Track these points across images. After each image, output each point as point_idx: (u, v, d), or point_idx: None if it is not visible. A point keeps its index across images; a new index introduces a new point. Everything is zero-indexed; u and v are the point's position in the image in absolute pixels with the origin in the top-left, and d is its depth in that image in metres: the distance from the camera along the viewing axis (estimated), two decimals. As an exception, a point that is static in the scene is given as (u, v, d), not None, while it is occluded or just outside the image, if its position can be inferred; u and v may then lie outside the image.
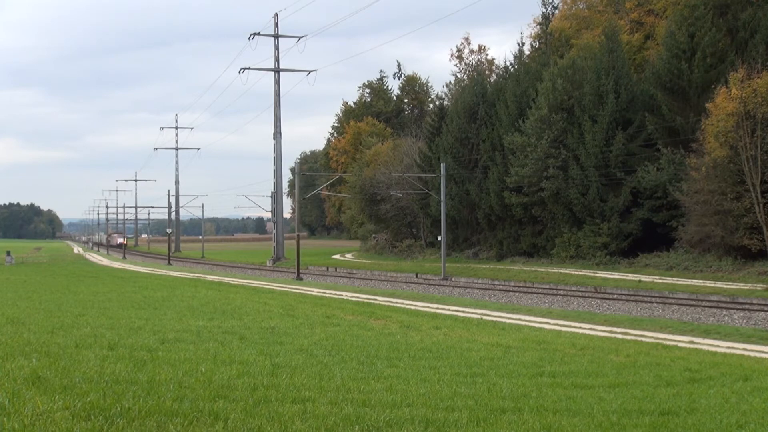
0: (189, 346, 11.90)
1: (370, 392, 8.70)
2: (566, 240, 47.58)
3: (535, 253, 51.25)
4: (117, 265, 61.65)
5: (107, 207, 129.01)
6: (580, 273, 41.41)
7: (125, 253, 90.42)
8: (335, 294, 29.26)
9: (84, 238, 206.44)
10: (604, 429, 7.66)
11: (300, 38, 62.28)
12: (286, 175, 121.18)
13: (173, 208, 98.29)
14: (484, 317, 21.28)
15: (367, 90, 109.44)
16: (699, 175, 37.69)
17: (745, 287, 32.07)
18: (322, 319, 17.89)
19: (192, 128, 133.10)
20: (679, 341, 16.94)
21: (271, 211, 68.54)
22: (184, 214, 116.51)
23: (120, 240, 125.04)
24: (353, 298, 26.93)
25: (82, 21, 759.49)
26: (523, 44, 62.05)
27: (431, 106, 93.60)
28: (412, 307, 23.90)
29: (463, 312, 22.86)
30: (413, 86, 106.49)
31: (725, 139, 36.01)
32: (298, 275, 45.21)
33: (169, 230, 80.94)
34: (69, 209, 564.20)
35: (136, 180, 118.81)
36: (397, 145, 74.61)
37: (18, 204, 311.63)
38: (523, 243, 52.16)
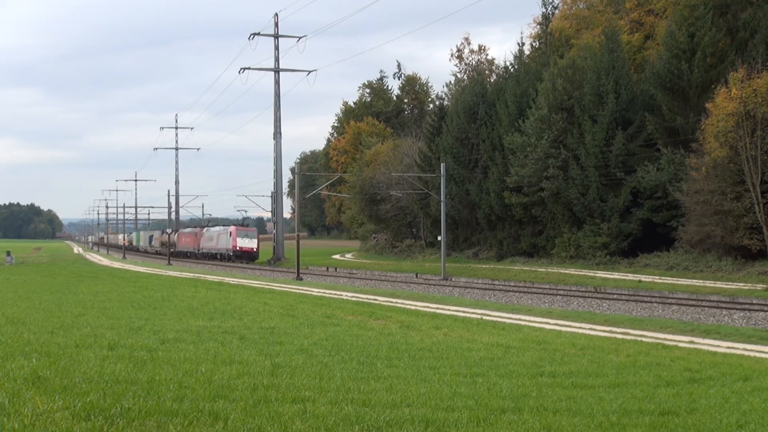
0: (189, 346, 11.91)
1: (370, 392, 8.70)
2: (566, 240, 47.57)
3: (535, 253, 51.24)
4: (117, 265, 61.67)
5: (107, 207, 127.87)
6: (580, 273, 41.40)
7: (125, 253, 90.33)
8: (335, 294, 29.26)
9: (90, 238, 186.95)
10: (604, 429, 7.66)
11: (300, 38, 62.31)
12: (286, 175, 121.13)
13: (173, 208, 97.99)
14: (484, 317, 21.27)
15: (367, 90, 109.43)
16: (699, 175, 37.68)
17: (745, 287, 32.06)
18: (322, 319, 17.89)
19: (192, 128, 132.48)
20: (679, 341, 16.94)
21: (271, 211, 68.48)
22: (184, 214, 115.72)
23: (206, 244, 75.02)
24: (353, 298, 26.92)
25: (81, 20, 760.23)
26: (523, 44, 62.07)
27: (431, 106, 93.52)
28: (412, 307, 23.89)
29: (463, 312, 22.85)
30: (413, 86, 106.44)
31: (725, 139, 36.00)
32: (298, 275, 45.19)
33: (169, 230, 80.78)
34: (69, 209, 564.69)
35: (136, 180, 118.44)
36: (397, 145, 74.59)
37: (18, 204, 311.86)
38: (523, 243, 52.15)
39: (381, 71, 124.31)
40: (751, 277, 34.13)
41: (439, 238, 47.92)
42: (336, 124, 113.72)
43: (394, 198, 65.33)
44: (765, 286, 31.67)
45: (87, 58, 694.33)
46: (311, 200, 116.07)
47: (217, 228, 76.13)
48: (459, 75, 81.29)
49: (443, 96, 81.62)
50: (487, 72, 74.52)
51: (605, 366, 12.04)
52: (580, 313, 23.74)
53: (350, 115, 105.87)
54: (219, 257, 71.68)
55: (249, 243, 68.76)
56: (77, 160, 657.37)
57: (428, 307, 24.58)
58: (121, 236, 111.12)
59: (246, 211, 77.96)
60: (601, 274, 40.40)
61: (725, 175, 36.69)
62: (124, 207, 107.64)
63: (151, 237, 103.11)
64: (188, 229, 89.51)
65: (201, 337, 13.38)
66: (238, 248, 68.38)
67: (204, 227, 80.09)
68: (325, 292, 30.03)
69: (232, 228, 70.50)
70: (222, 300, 23.06)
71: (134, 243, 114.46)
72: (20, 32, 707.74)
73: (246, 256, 67.68)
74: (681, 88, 41.81)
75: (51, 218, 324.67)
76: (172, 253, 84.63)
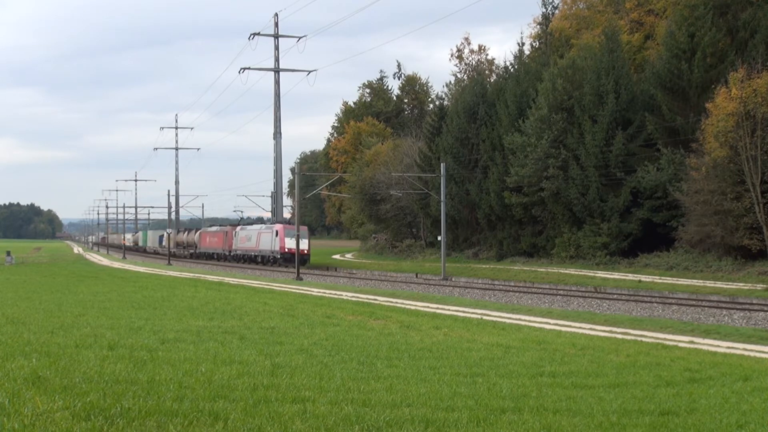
0: (189, 346, 11.91)
1: (370, 392, 8.70)
2: (566, 240, 47.57)
3: (535, 253, 51.24)
4: (117, 265, 61.68)
5: (107, 207, 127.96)
6: (580, 273, 41.40)
7: (125, 253, 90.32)
8: (335, 294, 29.25)
9: (91, 238, 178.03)
10: (604, 429, 7.66)
11: (300, 38, 62.22)
12: (286, 175, 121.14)
13: (173, 208, 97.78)
14: (484, 317, 21.27)
15: (367, 90, 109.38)
16: (699, 175, 37.69)
17: (745, 287, 32.07)
18: (322, 319, 17.89)
19: (192, 128, 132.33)
20: (679, 341, 16.93)
21: (271, 211, 68.42)
22: (184, 214, 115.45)
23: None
24: (353, 298, 26.92)
25: (81, 20, 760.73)
26: (523, 44, 62.10)
27: (431, 106, 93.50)
28: (412, 307, 23.89)
29: (463, 312, 22.85)
30: (413, 86, 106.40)
31: (725, 139, 36.00)
32: (297, 275, 45.17)
33: (169, 230, 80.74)
34: (69, 209, 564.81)
35: (136, 180, 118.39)
36: (397, 145, 74.59)
37: (18, 204, 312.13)
38: (523, 243, 52.15)
39: (381, 71, 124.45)
40: (751, 277, 34.13)
41: (439, 238, 47.91)
42: (336, 124, 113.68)
43: (394, 198, 65.33)
44: (765, 286, 31.67)
45: (87, 58, 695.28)
46: (311, 200, 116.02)
47: (256, 226, 66.25)
48: (459, 75, 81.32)
49: (443, 96, 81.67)
50: (487, 72, 74.52)
51: (605, 366, 12.04)
52: (580, 313, 23.73)
53: (350, 115, 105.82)
54: (261, 260, 61.33)
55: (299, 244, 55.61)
56: (77, 160, 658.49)
57: (428, 307, 24.58)
58: (123, 236, 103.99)
59: (290, 208, 66.88)
60: (601, 274, 40.40)
61: (725, 175, 36.69)
62: (124, 207, 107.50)
63: (161, 237, 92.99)
64: (214, 228, 79.09)
65: (201, 337, 13.38)
66: (286, 250, 56.85)
67: (237, 225, 71.41)
68: (325, 292, 30.03)
69: (278, 226, 59.46)
70: (222, 300, 23.07)
71: (140, 243, 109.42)
72: (20, 32, 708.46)
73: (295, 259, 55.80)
74: (681, 88, 41.82)
75: (51, 218, 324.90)
76: (192, 255, 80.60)
